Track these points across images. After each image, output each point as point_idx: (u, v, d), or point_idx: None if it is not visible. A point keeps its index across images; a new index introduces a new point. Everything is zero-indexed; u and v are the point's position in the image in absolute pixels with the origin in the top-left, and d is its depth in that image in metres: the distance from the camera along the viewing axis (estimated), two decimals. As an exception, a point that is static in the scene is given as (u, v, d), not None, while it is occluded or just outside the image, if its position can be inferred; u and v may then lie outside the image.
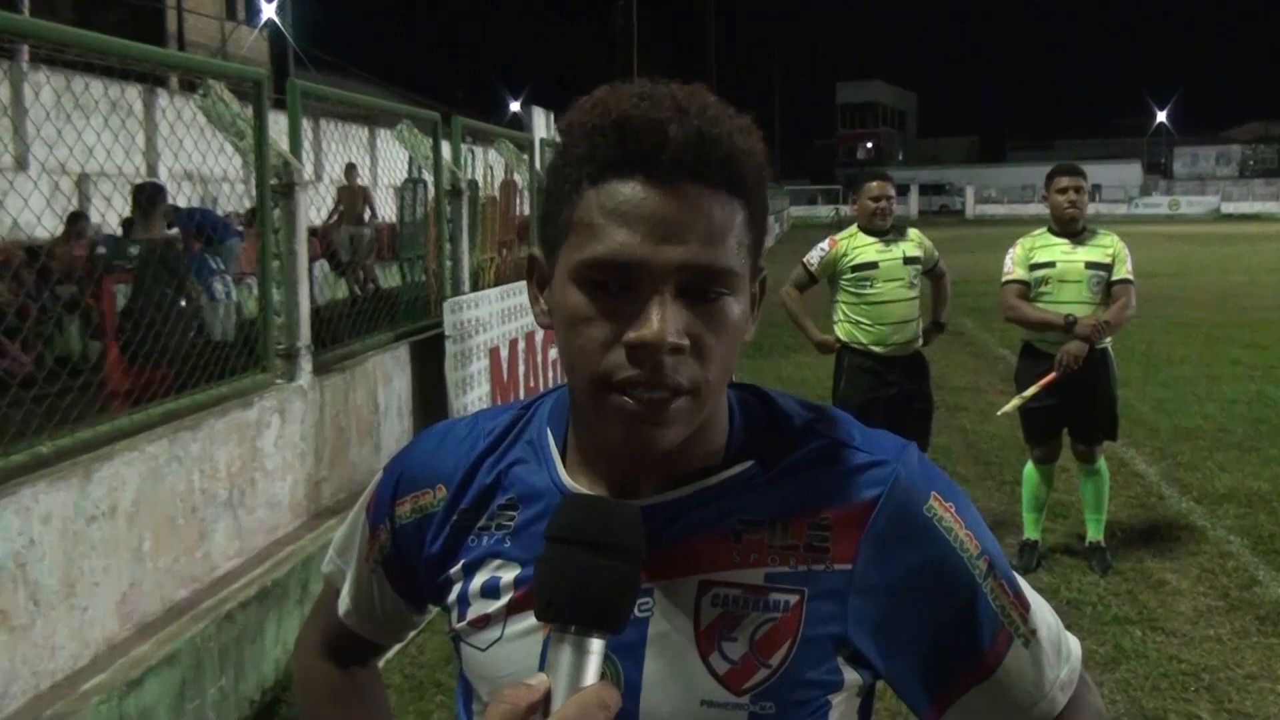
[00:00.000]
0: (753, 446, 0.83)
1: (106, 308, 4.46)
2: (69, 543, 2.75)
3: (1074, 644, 0.88)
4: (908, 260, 4.44)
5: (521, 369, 5.61)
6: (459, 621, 0.87)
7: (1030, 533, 4.48)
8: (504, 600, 0.84)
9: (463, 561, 0.87)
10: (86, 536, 2.81)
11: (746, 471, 0.82)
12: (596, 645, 0.66)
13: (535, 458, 0.87)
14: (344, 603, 1.01)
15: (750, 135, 0.78)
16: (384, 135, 12.78)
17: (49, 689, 2.63)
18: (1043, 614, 0.86)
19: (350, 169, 12.08)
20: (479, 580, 0.86)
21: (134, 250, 4.92)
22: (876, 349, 4.42)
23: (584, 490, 0.83)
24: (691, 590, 0.80)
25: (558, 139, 0.81)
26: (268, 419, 3.74)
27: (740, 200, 0.77)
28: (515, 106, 35.94)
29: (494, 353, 5.24)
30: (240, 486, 3.55)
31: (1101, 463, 4.44)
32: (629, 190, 0.74)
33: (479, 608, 0.85)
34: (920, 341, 4.52)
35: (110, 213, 6.63)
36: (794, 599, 0.79)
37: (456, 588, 0.88)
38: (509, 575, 0.84)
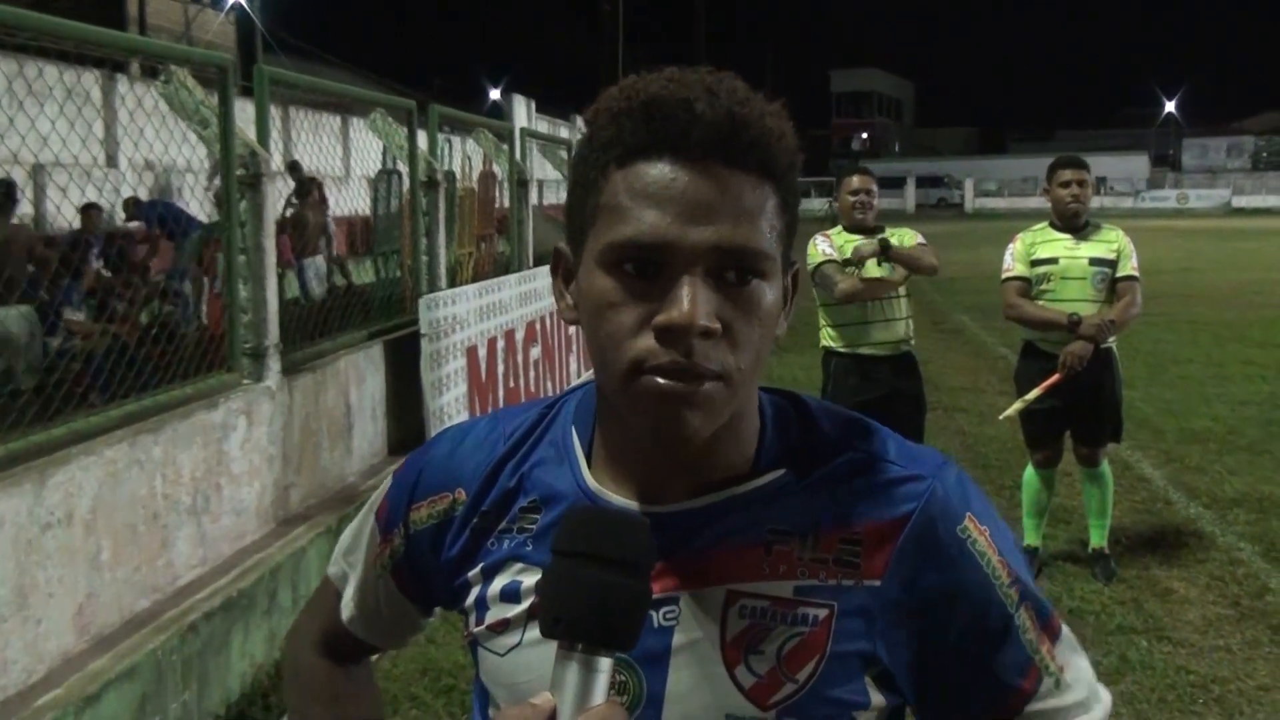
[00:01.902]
0: (786, 455, 0.82)
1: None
2: (22, 551, 2.67)
3: (1104, 694, 0.86)
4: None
5: (501, 369, 5.51)
6: (477, 625, 0.86)
7: (1031, 539, 4.39)
8: (524, 605, 0.83)
9: (482, 565, 0.86)
10: (41, 545, 2.74)
11: (778, 480, 0.81)
12: (605, 664, 0.65)
13: (559, 458, 0.86)
14: (347, 607, 0.99)
15: (782, 119, 0.77)
16: (357, 124, 12.56)
17: (0, 705, 2.55)
18: (1073, 652, 0.84)
19: (293, 166, 11.75)
20: (499, 584, 0.85)
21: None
22: (864, 349, 4.33)
23: (609, 493, 0.82)
24: (719, 600, 0.78)
25: (583, 129, 0.81)
26: (233, 421, 3.65)
27: (772, 184, 0.76)
28: (495, 94, 35.66)
29: (471, 352, 5.13)
30: (204, 492, 3.46)
31: (1105, 467, 4.36)
32: (657, 171, 0.73)
33: (498, 612, 0.84)
34: (912, 340, 4.43)
35: (65, 204, 6.44)
36: (823, 613, 0.78)
37: (475, 591, 0.86)
38: (530, 579, 0.83)
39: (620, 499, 0.82)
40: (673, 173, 0.73)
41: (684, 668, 0.78)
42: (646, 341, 0.73)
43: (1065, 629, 0.85)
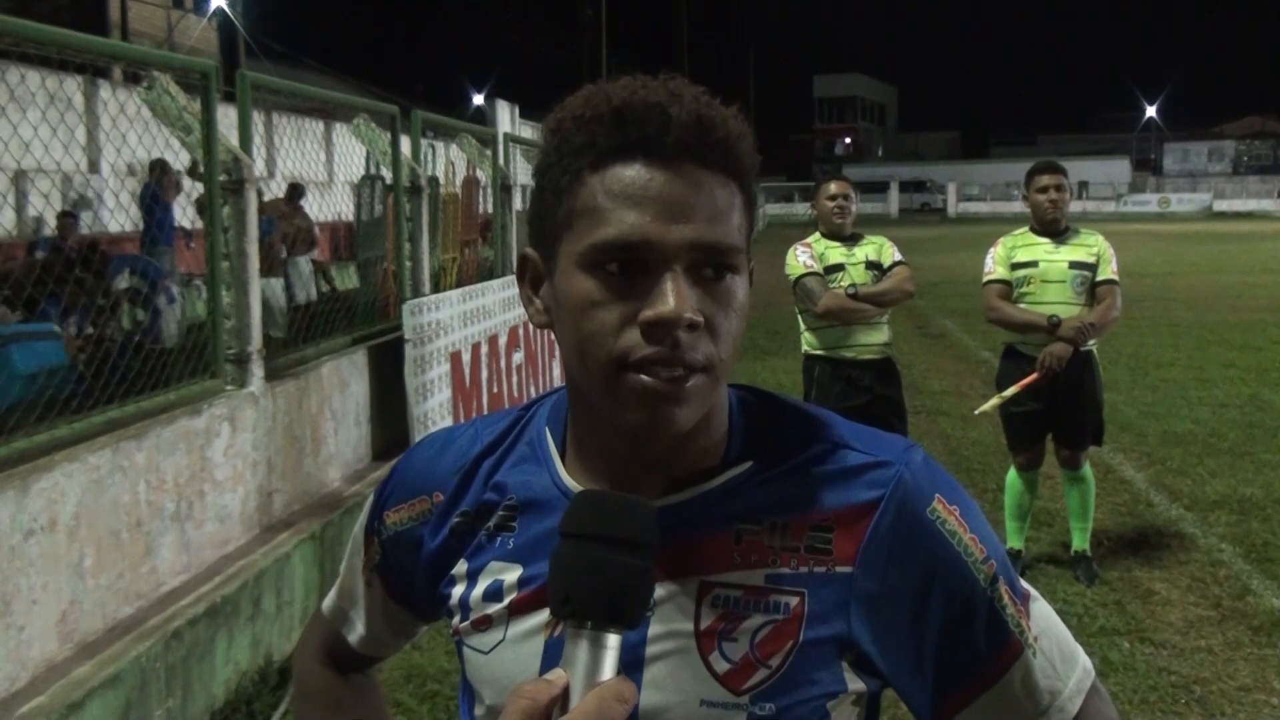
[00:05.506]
0: (753, 447, 0.84)
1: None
2: (4, 558, 2.66)
3: (1080, 657, 0.87)
4: (869, 265, 4.42)
5: (484, 374, 5.51)
6: (461, 622, 0.88)
7: (1013, 542, 4.42)
8: (506, 602, 0.85)
9: (465, 564, 0.88)
10: (24, 552, 2.73)
11: (747, 472, 0.83)
12: (613, 640, 0.66)
13: (535, 459, 0.88)
14: (356, 630, 1.03)
15: (742, 122, 0.80)
16: (340, 130, 12.52)
17: (-17, 713, 2.53)
18: (1049, 621, 0.86)
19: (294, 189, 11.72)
20: (482, 582, 0.87)
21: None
22: (847, 353, 4.36)
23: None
24: (692, 591, 0.80)
25: (544, 138, 0.82)
26: (217, 427, 3.63)
27: (738, 183, 0.79)
28: (479, 100, 35.66)
29: (455, 357, 5.13)
30: (188, 498, 3.44)
31: (1087, 469, 4.39)
32: (633, 173, 0.76)
33: (481, 609, 0.86)
34: (891, 345, 4.46)
35: (48, 210, 6.41)
36: (794, 601, 0.80)
37: (459, 590, 0.88)
38: (511, 577, 0.85)
39: None
40: (648, 174, 0.76)
41: (659, 657, 0.80)
42: (632, 337, 0.75)
43: (1034, 592, 0.87)
